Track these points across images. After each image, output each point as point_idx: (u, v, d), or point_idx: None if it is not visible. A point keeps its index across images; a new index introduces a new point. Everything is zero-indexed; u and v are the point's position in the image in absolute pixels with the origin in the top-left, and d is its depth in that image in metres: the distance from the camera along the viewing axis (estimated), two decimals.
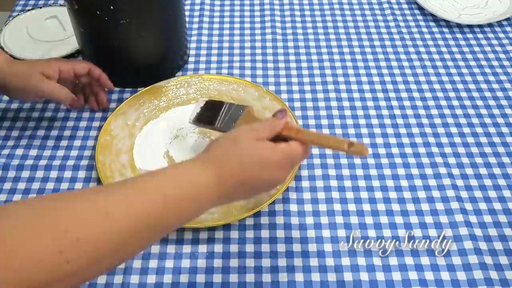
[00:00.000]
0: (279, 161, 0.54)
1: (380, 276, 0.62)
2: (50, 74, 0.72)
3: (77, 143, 0.77)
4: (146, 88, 0.82)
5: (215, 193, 0.51)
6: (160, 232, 0.49)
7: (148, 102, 0.81)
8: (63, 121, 0.80)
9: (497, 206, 0.70)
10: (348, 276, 0.62)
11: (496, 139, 0.78)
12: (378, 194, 0.71)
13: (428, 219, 0.68)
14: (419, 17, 1.00)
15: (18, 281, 0.38)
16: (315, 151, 0.76)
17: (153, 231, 0.47)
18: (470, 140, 0.78)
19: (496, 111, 0.82)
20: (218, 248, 0.65)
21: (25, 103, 0.83)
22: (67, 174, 0.73)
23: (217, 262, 0.64)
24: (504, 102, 0.84)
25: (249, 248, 0.65)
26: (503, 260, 0.64)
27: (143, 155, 0.75)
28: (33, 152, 0.76)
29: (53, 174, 0.73)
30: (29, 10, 0.98)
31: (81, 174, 0.73)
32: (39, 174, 0.73)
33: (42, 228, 0.40)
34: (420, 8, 1.02)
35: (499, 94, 0.85)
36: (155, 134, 0.78)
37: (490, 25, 0.99)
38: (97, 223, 0.43)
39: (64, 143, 0.77)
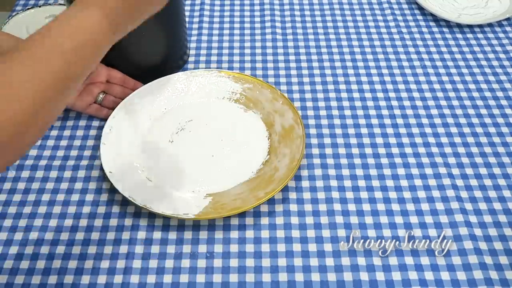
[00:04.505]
0: None
1: (380, 276, 0.62)
2: None
3: (77, 143, 0.77)
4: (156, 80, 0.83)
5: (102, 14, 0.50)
6: (70, 82, 0.48)
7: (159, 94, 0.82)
8: (63, 121, 0.80)
9: (497, 206, 0.70)
10: (348, 276, 0.62)
11: (496, 139, 0.78)
12: (378, 194, 0.71)
13: (428, 219, 0.68)
14: (419, 17, 1.00)
15: None
16: (315, 150, 0.76)
17: (61, 88, 0.47)
18: (470, 140, 0.78)
19: (496, 111, 0.82)
20: (218, 248, 0.65)
21: None
22: (67, 174, 0.73)
23: (217, 262, 0.64)
24: (504, 102, 0.84)
25: (249, 248, 0.65)
26: (503, 260, 0.64)
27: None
28: (33, 152, 0.76)
29: (53, 174, 0.73)
30: (28, 9, 0.98)
31: (81, 174, 0.73)
32: (39, 174, 0.73)
33: None
34: (420, 8, 1.02)
35: (499, 94, 0.85)
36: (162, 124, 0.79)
37: (490, 25, 0.99)
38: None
39: (64, 143, 0.77)
